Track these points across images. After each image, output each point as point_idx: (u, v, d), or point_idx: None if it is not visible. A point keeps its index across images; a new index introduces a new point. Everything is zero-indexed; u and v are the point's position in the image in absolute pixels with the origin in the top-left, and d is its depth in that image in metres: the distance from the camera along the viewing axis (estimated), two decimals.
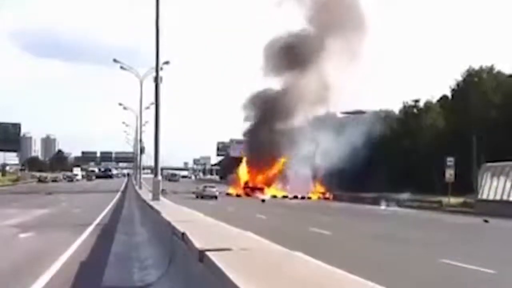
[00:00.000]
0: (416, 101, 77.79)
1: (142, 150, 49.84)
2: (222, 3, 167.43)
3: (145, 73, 46.61)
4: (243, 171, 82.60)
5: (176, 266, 7.38)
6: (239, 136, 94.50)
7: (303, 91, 75.83)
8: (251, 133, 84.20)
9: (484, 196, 41.66)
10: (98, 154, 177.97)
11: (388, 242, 20.83)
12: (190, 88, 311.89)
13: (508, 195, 39.61)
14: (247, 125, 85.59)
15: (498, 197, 40.28)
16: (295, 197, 69.05)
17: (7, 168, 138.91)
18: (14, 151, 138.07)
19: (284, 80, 79.42)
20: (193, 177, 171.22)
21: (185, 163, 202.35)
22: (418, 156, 67.06)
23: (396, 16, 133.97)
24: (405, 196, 52.80)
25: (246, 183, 79.16)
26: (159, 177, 22.67)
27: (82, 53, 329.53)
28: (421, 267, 14.23)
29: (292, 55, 74.61)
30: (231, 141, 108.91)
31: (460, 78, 70.86)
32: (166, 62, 35.75)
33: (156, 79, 23.15)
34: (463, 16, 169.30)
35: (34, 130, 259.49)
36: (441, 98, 75.66)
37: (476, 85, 66.84)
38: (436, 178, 57.05)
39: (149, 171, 76.19)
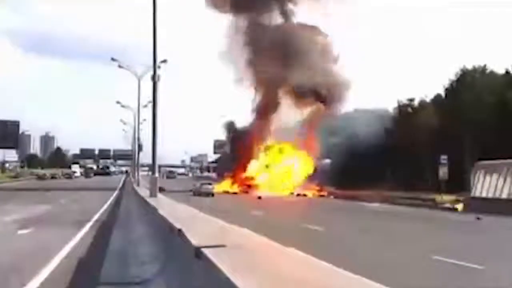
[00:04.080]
0: (411, 100, 77.99)
1: (140, 148, 49.79)
2: None
3: (143, 72, 46.57)
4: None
5: (172, 262, 7.40)
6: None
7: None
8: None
9: (477, 194, 41.75)
10: (97, 152, 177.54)
11: (381, 238, 20.91)
12: (187, 85, 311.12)
13: (501, 193, 39.71)
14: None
15: (490, 195, 40.36)
16: (291, 193, 69.35)
17: (6, 165, 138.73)
18: (13, 148, 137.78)
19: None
20: (190, 175, 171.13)
21: (183, 161, 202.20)
22: (412, 154, 67.17)
23: (390, 15, 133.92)
24: (399, 193, 52.92)
25: (244, 179, 79.18)
26: (157, 175, 22.70)
27: (80, 51, 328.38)
28: (413, 263, 14.30)
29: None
30: (228, 138, 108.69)
31: (453, 78, 71.15)
32: (164, 61, 35.74)
33: (154, 78, 23.14)
34: (457, 16, 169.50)
35: (33, 128, 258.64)
36: (435, 97, 75.82)
37: (469, 85, 66.95)
38: (430, 176, 57.20)
39: (147, 168, 76.15)
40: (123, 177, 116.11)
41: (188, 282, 5.75)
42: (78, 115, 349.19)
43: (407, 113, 76.21)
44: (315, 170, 75.44)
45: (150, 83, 23.41)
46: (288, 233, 19.32)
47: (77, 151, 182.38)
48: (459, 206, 38.25)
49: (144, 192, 26.23)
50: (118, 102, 63.10)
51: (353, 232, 23.60)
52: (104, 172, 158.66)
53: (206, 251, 4.79)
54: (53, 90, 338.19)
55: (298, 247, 5.22)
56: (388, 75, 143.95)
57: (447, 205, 38.82)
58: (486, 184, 41.39)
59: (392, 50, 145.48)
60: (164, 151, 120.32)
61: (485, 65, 70.39)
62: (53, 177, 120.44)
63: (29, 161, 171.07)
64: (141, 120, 52.43)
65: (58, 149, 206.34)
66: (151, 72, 23.59)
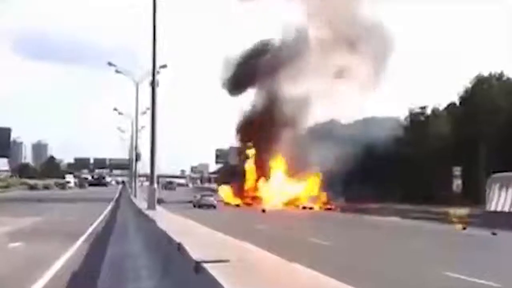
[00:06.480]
0: (423, 108, 77.85)
1: (137, 157, 49.79)
2: (223, 5, 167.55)
3: (141, 77, 46.64)
4: (250, 176, 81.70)
5: (171, 278, 7.45)
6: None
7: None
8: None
9: (492, 208, 41.61)
10: (92, 161, 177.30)
11: (390, 253, 20.90)
12: (187, 92, 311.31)
13: None
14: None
15: (506, 209, 40.22)
16: (296, 206, 69.46)
17: None
18: (4, 157, 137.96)
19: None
20: (190, 185, 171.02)
21: (182, 171, 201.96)
22: (424, 165, 67.07)
23: (403, 20, 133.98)
24: (409, 206, 52.82)
25: (246, 191, 79.24)
26: (155, 185, 22.73)
27: (75, 56, 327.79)
28: (423, 280, 14.29)
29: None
30: (231, 148, 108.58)
31: (468, 85, 70.94)
32: (163, 66, 35.70)
33: (153, 83, 23.20)
34: (473, 22, 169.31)
35: (25, 135, 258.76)
36: (448, 105, 75.67)
37: (485, 92, 66.85)
38: (443, 188, 57.07)
39: (144, 179, 76.16)
40: (120, 187, 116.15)
41: None
42: (72, 122, 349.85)
43: (419, 122, 76.10)
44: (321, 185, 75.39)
45: (149, 89, 23.51)
46: (293, 248, 19.32)
47: (71, 160, 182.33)
48: (459, 226, 37.98)
49: (141, 203, 26.28)
50: (115, 109, 63.25)
51: (360, 246, 23.58)
52: (99, 182, 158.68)
53: (206, 266, 4.84)
54: (47, 96, 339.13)
55: (302, 262, 5.27)
56: (400, 82, 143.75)
57: (457, 225, 38.67)
58: (502, 197, 41.25)
59: (404, 56, 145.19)
60: (163, 160, 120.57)
61: (501, 72, 70.34)
62: (45, 187, 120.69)
63: (21, 170, 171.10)
64: (139, 128, 52.51)
65: (51, 158, 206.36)
66: (150, 78, 23.70)
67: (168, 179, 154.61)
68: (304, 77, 77.51)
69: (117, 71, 49.46)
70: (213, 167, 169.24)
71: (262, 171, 79.30)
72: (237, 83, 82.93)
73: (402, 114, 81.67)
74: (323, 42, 76.41)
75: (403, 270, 16.25)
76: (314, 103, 77.98)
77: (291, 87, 78.72)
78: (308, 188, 75.47)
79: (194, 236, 8.84)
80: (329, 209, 66.99)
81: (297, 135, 76.68)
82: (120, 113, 63.02)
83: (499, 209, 40.84)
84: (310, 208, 67.47)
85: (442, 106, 76.44)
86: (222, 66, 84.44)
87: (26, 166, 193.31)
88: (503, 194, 41.36)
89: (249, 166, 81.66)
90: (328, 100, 77.05)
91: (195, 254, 5.62)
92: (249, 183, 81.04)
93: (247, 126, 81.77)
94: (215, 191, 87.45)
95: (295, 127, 78.23)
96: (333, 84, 75.78)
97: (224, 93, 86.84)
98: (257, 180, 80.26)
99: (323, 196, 72.58)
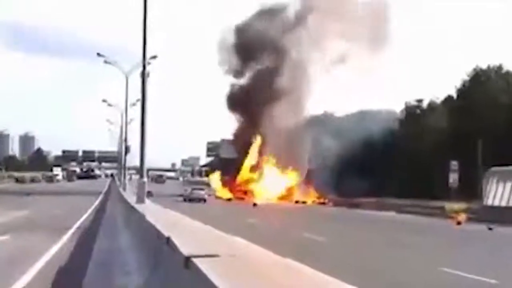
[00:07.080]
0: (419, 101, 77.93)
1: (127, 150, 49.66)
2: None
3: (131, 68, 46.50)
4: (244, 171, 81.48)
5: (160, 272, 7.40)
6: (230, 135, 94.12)
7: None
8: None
9: (489, 202, 41.79)
10: (80, 154, 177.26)
11: (385, 249, 20.93)
12: (178, 84, 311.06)
13: None
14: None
15: (504, 203, 40.39)
16: (289, 201, 69.64)
17: None
18: None
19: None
20: (181, 179, 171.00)
21: (173, 164, 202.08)
22: (420, 159, 67.23)
23: (400, 11, 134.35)
24: (405, 201, 52.96)
25: (238, 185, 79.31)
26: (145, 179, 22.67)
27: (64, 48, 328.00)
28: (419, 276, 14.29)
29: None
30: (222, 141, 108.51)
31: (466, 78, 71.03)
32: (154, 57, 35.54)
33: (143, 74, 23.11)
34: (471, 13, 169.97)
35: (12, 127, 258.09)
36: (445, 99, 75.73)
37: (483, 85, 66.94)
38: (439, 182, 57.23)
39: (134, 171, 76.06)
40: (109, 180, 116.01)
41: None
42: (60, 114, 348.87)
43: (415, 115, 76.19)
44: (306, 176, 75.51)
45: (139, 82, 23.41)
46: (286, 243, 19.31)
47: (59, 153, 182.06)
48: (460, 217, 38.04)
49: (130, 197, 26.21)
50: (104, 101, 63.08)
51: (356, 242, 23.62)
52: (88, 175, 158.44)
53: (196, 261, 4.79)
54: (34, 88, 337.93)
55: (295, 258, 5.22)
56: (396, 74, 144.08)
57: (454, 220, 38.84)
58: (499, 192, 41.43)
59: (400, 47, 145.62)
60: (153, 153, 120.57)
61: (500, 65, 70.37)
62: (33, 180, 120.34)
63: (7, 163, 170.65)
64: (129, 120, 52.37)
65: (39, 150, 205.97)
66: (140, 69, 23.59)
67: (158, 173, 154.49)
68: (302, 48, 78.00)
69: (106, 62, 49.34)
70: (204, 160, 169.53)
71: (255, 163, 79.41)
72: (239, 55, 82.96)
73: (398, 107, 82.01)
74: (318, 24, 76.57)
75: (399, 266, 16.26)
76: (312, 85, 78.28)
77: (292, 53, 79.08)
78: (300, 182, 75.63)
79: (184, 230, 8.78)
80: (322, 203, 67.15)
81: (296, 122, 76.51)
82: (109, 105, 62.88)
83: (496, 203, 41.02)
84: (303, 202, 67.63)
85: (439, 99, 76.61)
86: (217, 45, 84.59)
87: (12, 158, 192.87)
88: (500, 188, 41.53)
89: (246, 159, 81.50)
90: (325, 85, 77.49)
91: (185, 248, 5.57)
92: (241, 176, 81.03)
93: (242, 100, 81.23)
94: (206, 184, 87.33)
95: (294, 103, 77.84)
96: (329, 69, 76.26)
97: (219, 85, 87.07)
98: (249, 173, 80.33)
99: (316, 190, 72.73)
